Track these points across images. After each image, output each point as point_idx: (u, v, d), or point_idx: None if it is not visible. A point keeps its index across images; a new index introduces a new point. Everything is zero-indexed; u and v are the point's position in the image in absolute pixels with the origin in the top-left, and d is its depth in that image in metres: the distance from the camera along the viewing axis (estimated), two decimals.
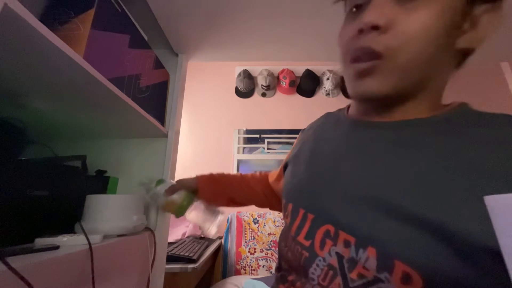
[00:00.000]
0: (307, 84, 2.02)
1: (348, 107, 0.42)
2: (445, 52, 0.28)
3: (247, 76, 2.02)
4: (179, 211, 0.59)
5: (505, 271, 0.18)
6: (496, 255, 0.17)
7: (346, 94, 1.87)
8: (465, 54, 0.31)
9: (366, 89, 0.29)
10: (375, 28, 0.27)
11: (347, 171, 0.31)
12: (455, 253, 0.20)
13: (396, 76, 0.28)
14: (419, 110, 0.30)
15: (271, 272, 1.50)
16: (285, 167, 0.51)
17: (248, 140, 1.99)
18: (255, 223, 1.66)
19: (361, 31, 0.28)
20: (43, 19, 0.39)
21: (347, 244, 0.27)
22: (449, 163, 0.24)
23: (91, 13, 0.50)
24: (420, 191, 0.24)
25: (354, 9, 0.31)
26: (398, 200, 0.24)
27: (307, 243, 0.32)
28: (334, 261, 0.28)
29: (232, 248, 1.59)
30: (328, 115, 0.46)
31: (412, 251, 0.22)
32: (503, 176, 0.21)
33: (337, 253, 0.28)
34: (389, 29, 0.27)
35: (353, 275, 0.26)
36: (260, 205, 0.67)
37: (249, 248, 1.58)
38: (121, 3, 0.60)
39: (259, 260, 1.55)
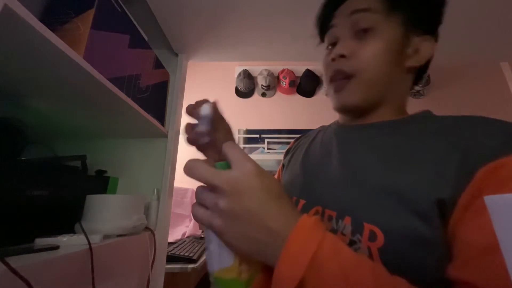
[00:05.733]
0: (307, 84, 2.02)
1: None
2: (397, 70, 0.37)
3: (247, 76, 2.02)
4: None
5: (444, 221, 0.25)
6: (437, 203, 0.26)
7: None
8: (419, 71, 0.40)
9: (342, 101, 0.39)
10: (342, 56, 0.37)
11: (334, 163, 0.38)
12: (406, 209, 0.27)
13: (363, 90, 0.37)
14: (385, 115, 0.38)
15: None
16: (283, 167, 0.55)
17: (248, 140, 1.99)
18: None
19: (333, 60, 0.38)
20: (43, 19, 0.39)
21: (330, 218, 0.33)
22: (398, 148, 0.33)
23: (91, 13, 0.50)
24: (380, 168, 0.32)
25: (330, 47, 0.42)
26: (366, 176, 0.33)
27: None
28: None
29: None
30: (322, 127, 0.54)
31: (376, 213, 0.29)
32: (424, 158, 0.29)
33: None
34: (352, 57, 0.36)
35: None
36: None
37: None
38: (121, 3, 0.60)
39: None
